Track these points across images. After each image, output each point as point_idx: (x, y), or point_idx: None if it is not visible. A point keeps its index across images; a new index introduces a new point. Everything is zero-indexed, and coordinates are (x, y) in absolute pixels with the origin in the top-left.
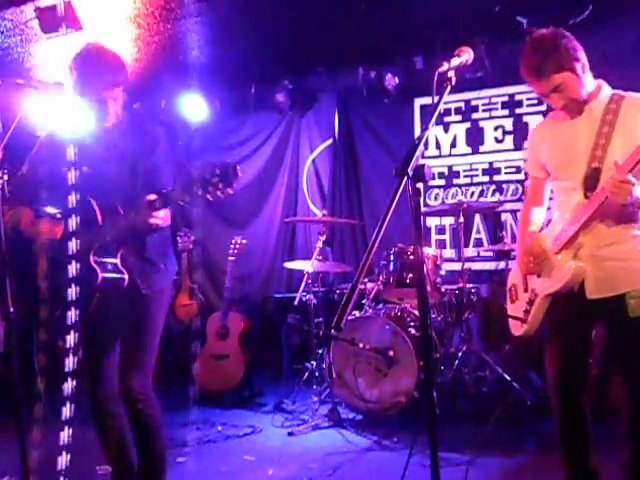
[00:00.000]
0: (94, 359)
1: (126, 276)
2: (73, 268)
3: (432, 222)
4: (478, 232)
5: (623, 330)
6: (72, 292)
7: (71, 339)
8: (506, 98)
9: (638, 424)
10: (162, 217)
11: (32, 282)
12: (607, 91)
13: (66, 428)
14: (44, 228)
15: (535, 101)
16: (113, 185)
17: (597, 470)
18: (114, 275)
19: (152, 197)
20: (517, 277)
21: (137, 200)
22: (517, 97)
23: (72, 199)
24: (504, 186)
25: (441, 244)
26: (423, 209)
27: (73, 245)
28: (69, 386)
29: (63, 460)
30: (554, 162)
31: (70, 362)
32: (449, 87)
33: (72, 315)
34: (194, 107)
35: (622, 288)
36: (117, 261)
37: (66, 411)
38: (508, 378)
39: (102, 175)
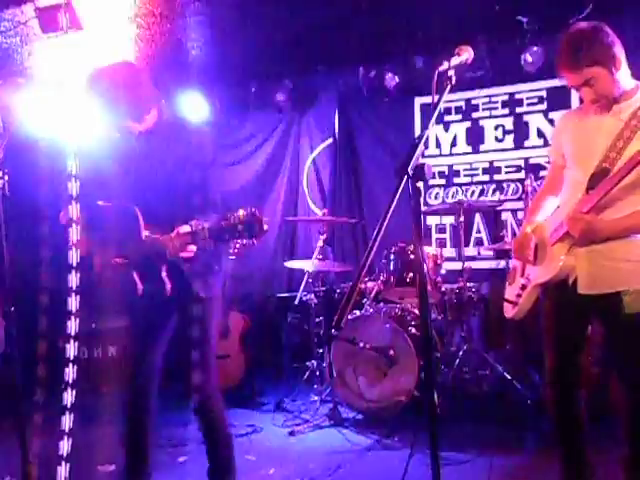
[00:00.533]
0: (139, 357)
1: (169, 285)
2: (73, 278)
3: (432, 221)
4: (478, 231)
5: (619, 327)
6: (72, 302)
7: (71, 349)
8: (506, 97)
9: (636, 423)
10: (192, 250)
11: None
12: None
13: (65, 438)
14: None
15: (535, 100)
16: (155, 196)
17: (592, 465)
18: (156, 286)
19: (186, 230)
20: (517, 261)
21: (179, 215)
22: (517, 96)
23: (73, 209)
24: (504, 185)
25: (441, 243)
26: (423, 208)
27: (74, 255)
28: (69, 396)
29: (63, 471)
30: (571, 150)
31: (70, 372)
32: (449, 86)
33: (72, 325)
34: (194, 106)
35: (616, 287)
36: (162, 273)
37: (65, 421)
38: (509, 377)
39: (145, 183)
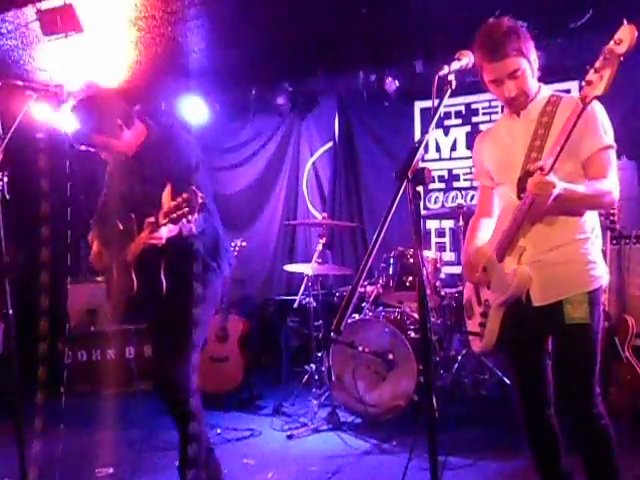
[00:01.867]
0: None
1: (164, 284)
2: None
3: (432, 225)
4: None
5: (559, 338)
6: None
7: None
8: None
9: (579, 443)
10: (160, 236)
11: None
12: (545, 92)
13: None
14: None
15: None
16: (145, 204)
17: (570, 473)
18: (151, 284)
19: (151, 220)
20: (470, 291)
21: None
22: None
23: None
24: None
25: (441, 247)
26: (423, 212)
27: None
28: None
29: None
30: (494, 166)
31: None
32: (449, 90)
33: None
34: (194, 109)
35: (564, 293)
36: (159, 272)
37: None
38: (507, 382)
39: (137, 194)
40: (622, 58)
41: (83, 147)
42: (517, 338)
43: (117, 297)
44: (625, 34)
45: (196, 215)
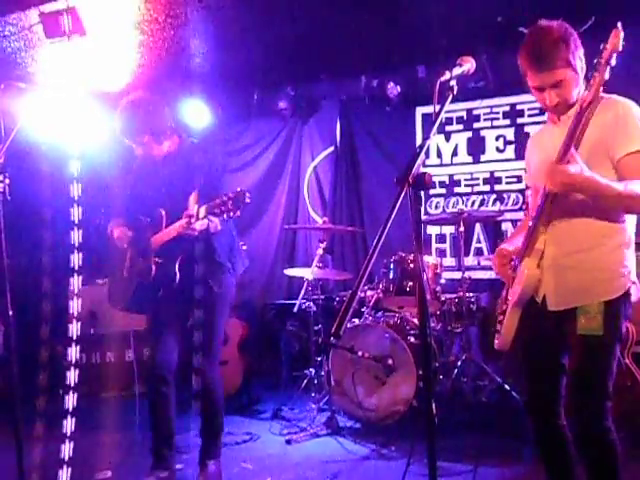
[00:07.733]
0: (156, 337)
1: (177, 277)
2: (75, 281)
3: (432, 231)
4: (478, 241)
5: (572, 348)
6: (74, 305)
7: (73, 353)
8: (508, 108)
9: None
10: (198, 228)
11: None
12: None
13: (67, 442)
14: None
15: (537, 111)
16: (174, 201)
17: None
18: (167, 275)
19: (191, 212)
20: (505, 289)
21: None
22: (519, 107)
23: (76, 212)
24: (505, 195)
25: (441, 253)
26: (424, 217)
27: (75, 259)
28: (70, 400)
29: (64, 474)
30: (533, 171)
31: (72, 376)
32: (451, 96)
33: (74, 329)
34: (197, 113)
35: (578, 300)
36: (175, 264)
37: (67, 425)
38: (507, 387)
39: (161, 194)
40: (608, 64)
41: (127, 141)
42: (533, 342)
43: (129, 281)
44: (611, 38)
45: (238, 212)
